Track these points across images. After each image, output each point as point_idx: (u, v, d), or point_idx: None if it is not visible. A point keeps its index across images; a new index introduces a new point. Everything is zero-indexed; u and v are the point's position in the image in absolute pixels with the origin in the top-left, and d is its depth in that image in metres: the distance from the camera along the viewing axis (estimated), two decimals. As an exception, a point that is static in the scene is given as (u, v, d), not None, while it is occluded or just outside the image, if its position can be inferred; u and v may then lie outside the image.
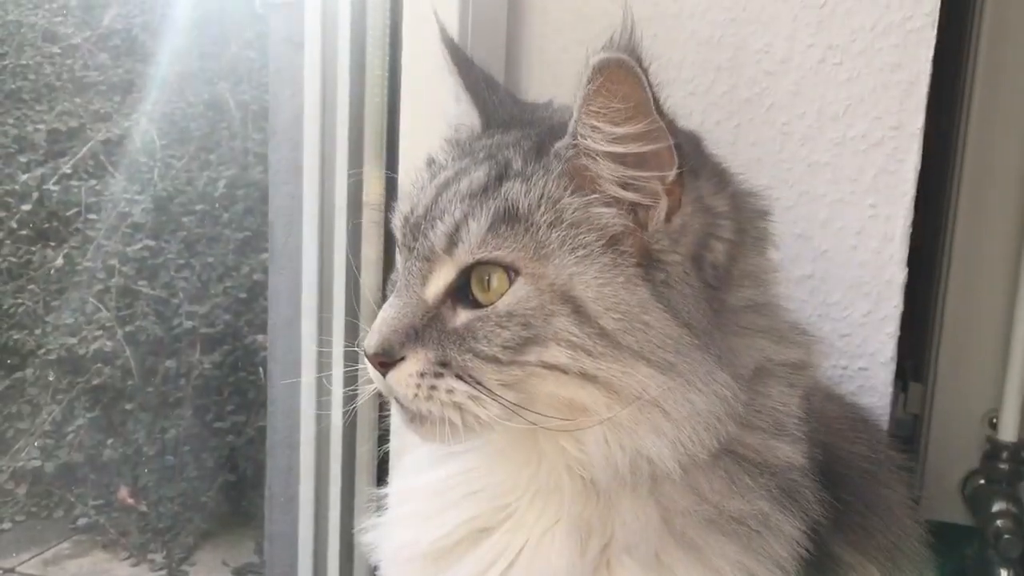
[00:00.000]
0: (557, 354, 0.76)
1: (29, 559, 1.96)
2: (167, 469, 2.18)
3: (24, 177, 2.69)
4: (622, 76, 0.72)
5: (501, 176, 0.80)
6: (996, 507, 1.52)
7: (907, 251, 1.25)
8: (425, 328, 0.78)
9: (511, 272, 0.77)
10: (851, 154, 1.24)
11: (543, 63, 1.33)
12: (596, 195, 0.78)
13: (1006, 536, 1.48)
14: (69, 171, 2.71)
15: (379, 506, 0.99)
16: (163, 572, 1.99)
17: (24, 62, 2.89)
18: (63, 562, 1.98)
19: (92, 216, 2.62)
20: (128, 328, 2.40)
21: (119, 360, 2.34)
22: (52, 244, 2.61)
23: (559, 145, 0.79)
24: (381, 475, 1.33)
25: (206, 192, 2.61)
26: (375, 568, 1.23)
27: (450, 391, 0.77)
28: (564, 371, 0.76)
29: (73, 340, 2.40)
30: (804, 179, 1.27)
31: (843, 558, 0.94)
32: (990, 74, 1.33)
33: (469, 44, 1.24)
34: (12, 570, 1.92)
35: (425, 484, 0.92)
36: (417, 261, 0.79)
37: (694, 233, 0.78)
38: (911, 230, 1.26)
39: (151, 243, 2.56)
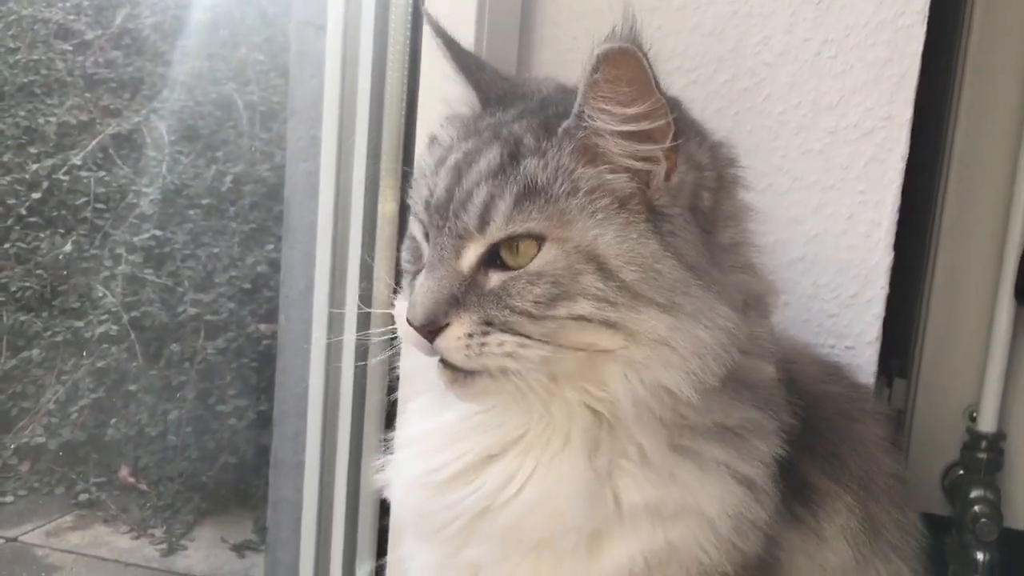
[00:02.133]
0: (585, 306, 0.84)
1: (32, 530, 2.00)
2: (168, 449, 2.23)
3: (34, 167, 2.74)
4: (627, 62, 0.81)
5: (514, 154, 0.87)
6: (974, 494, 1.58)
7: (894, 236, 1.32)
8: (464, 295, 0.85)
9: (538, 238, 0.85)
10: (843, 143, 1.31)
11: (556, 52, 1.41)
12: (606, 165, 0.86)
13: (982, 520, 1.54)
14: (79, 162, 2.76)
15: (389, 447, 1.06)
16: (163, 546, 2.02)
17: (36, 57, 2.94)
18: (64, 534, 2.01)
19: (100, 206, 2.68)
20: (133, 313, 2.45)
21: (124, 344, 2.39)
22: (60, 231, 2.65)
23: (568, 125, 0.86)
24: (389, 424, 1.39)
25: (213, 187, 2.67)
26: (383, 526, 1.28)
27: (500, 344, 0.84)
28: (589, 320, 0.84)
29: (79, 324, 2.45)
30: (798, 166, 1.34)
31: (817, 484, 1.02)
32: (979, 68, 1.40)
33: (485, 35, 1.32)
34: (15, 539, 1.95)
35: (434, 426, 0.99)
36: (449, 239, 0.86)
37: (688, 187, 0.88)
38: (898, 217, 1.33)
39: (158, 233, 2.61)
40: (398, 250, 1.43)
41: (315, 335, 1.44)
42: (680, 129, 0.86)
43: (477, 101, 0.96)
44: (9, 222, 2.62)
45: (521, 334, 0.85)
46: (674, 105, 0.88)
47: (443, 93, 1.16)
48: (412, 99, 1.42)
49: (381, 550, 1.47)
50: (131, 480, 2.20)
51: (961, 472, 1.62)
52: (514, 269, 0.86)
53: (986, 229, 1.49)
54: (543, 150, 0.87)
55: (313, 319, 1.43)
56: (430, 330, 0.85)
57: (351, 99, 1.44)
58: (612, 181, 0.86)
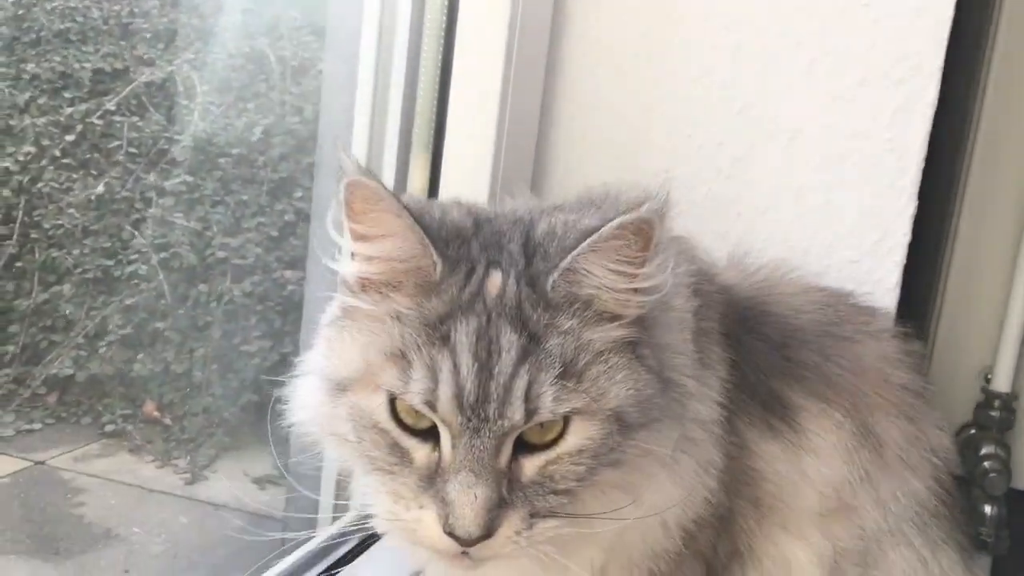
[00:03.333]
0: (614, 459, 0.86)
1: (59, 455, 2.05)
2: (193, 386, 2.28)
3: (69, 111, 2.78)
4: (651, 228, 0.82)
5: (533, 335, 0.84)
6: (985, 450, 1.60)
7: (919, 184, 1.35)
8: (509, 493, 0.83)
9: (566, 418, 0.84)
10: (872, 90, 1.34)
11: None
12: (613, 322, 0.87)
13: (992, 475, 1.57)
14: (112, 108, 2.80)
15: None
16: (187, 475, 2.08)
17: (72, 4, 2.99)
18: (91, 460, 2.07)
19: (133, 150, 2.72)
20: (163, 254, 2.50)
21: (153, 283, 2.44)
22: (93, 173, 2.70)
23: (572, 290, 0.85)
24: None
25: (243, 137, 2.72)
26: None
27: (544, 530, 0.84)
28: (615, 465, 0.87)
29: (109, 262, 2.49)
30: (826, 113, 1.36)
31: (796, 402, 1.06)
32: (1013, 17, 1.40)
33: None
34: (43, 463, 2.01)
35: None
36: (491, 439, 0.82)
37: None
38: (923, 166, 1.35)
39: (188, 179, 2.66)
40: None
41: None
42: None
43: (435, 254, 0.86)
44: (43, 163, 2.66)
45: (558, 515, 0.85)
46: None
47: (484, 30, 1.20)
48: (450, 36, 1.45)
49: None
50: (156, 414, 2.25)
51: (973, 431, 1.64)
52: (542, 449, 0.85)
53: (1010, 189, 1.51)
54: (557, 324, 0.85)
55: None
56: (477, 541, 0.81)
57: (389, 31, 1.46)
58: (615, 335, 0.87)
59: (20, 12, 2.88)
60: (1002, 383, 1.60)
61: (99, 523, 1.86)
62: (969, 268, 1.58)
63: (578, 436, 0.84)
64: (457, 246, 0.89)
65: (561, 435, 0.85)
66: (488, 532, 0.81)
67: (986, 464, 1.60)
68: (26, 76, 2.75)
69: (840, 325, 1.17)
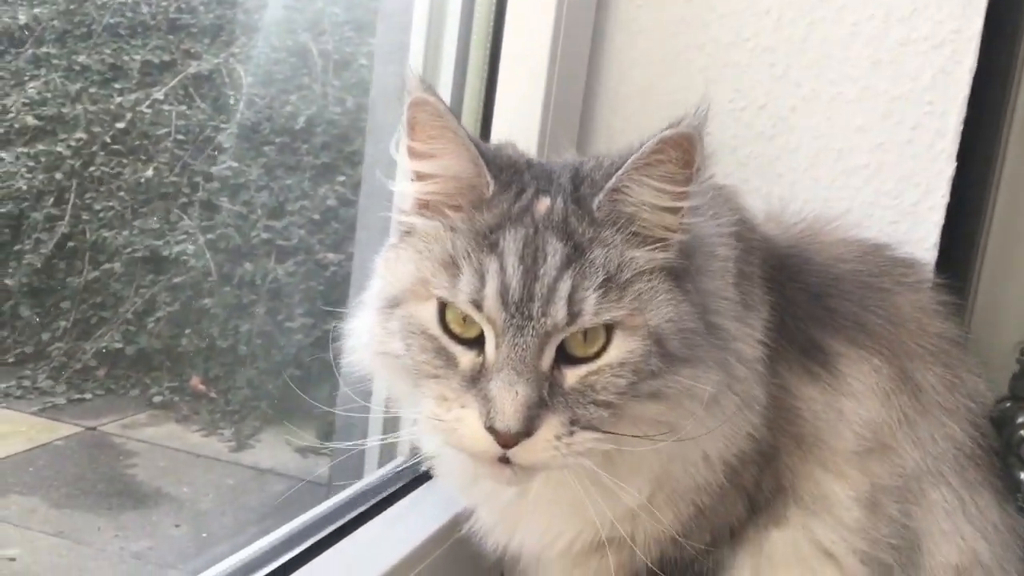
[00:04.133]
0: (647, 386, 0.88)
1: (109, 423, 2.11)
2: (239, 359, 2.33)
3: (119, 100, 2.87)
4: (691, 145, 0.84)
5: (578, 246, 0.88)
6: (1020, 419, 1.61)
7: (958, 146, 1.38)
8: (550, 395, 0.85)
9: (607, 327, 0.87)
10: (913, 54, 1.37)
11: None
12: (657, 244, 0.90)
13: (1028, 440, 1.58)
14: (161, 97, 2.88)
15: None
16: (232, 443, 2.13)
17: (122, 0, 3.08)
18: (140, 428, 2.12)
19: (180, 137, 2.80)
20: (209, 236, 2.56)
21: (200, 262, 2.50)
22: (142, 159, 2.78)
23: (618, 208, 0.89)
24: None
25: (287, 126, 2.79)
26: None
27: (583, 442, 0.85)
28: (640, 397, 0.89)
29: (158, 243, 2.56)
30: (867, 76, 1.39)
31: (834, 348, 1.09)
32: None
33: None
34: (94, 428, 2.07)
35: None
36: (534, 338, 0.85)
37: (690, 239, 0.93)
38: (962, 128, 1.38)
39: (234, 165, 2.73)
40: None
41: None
42: None
43: (488, 175, 0.91)
44: (94, 148, 2.75)
45: (598, 428, 0.86)
46: None
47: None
48: (489, 101, 1.49)
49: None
50: (201, 387, 2.31)
51: (1008, 404, 1.65)
52: (584, 361, 0.87)
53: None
54: (602, 239, 0.88)
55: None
56: (516, 440, 0.83)
57: (440, 8, 1.51)
58: (659, 258, 0.90)
59: (72, 7, 2.97)
60: (1038, 354, 1.61)
61: (149, 482, 1.92)
62: (1008, 237, 1.60)
63: (620, 350, 0.87)
64: (510, 173, 0.94)
65: (604, 349, 0.87)
66: (527, 429, 0.82)
67: (1022, 432, 1.61)
68: (77, 67, 2.84)
69: (879, 276, 1.20)
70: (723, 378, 0.95)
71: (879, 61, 1.38)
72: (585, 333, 0.87)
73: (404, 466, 1.42)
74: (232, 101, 2.88)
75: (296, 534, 1.23)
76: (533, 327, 0.84)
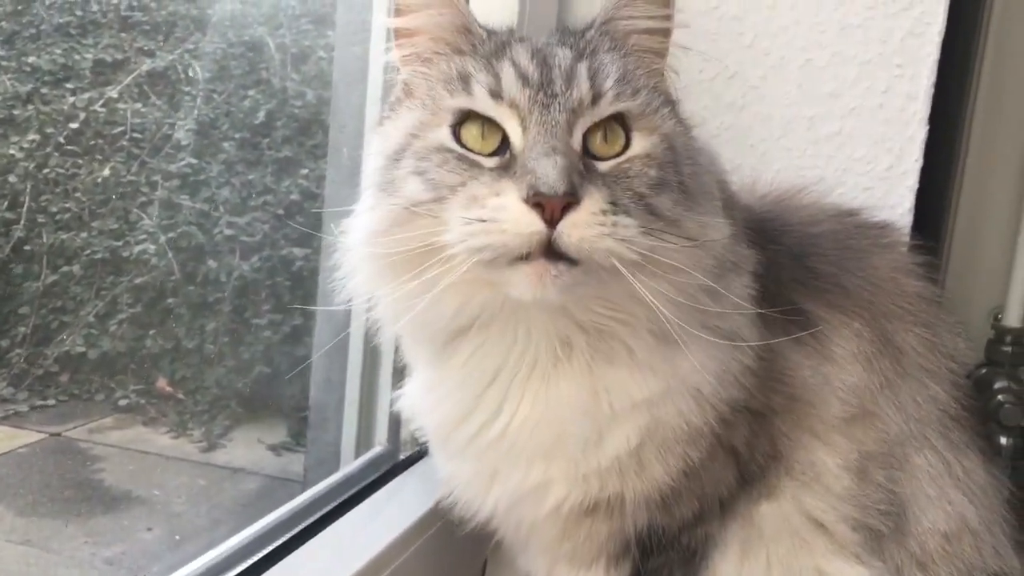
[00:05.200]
0: (669, 199, 0.89)
1: (74, 428, 2.06)
2: (206, 359, 2.28)
3: (71, 100, 2.80)
4: None
5: (583, 52, 0.92)
6: (998, 385, 1.62)
7: (929, 110, 1.37)
8: (586, 172, 0.85)
9: (625, 128, 0.89)
10: (881, 17, 1.36)
11: None
12: (652, 64, 0.96)
13: (1007, 406, 1.59)
14: (115, 96, 2.82)
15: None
16: (202, 443, 2.08)
17: (72, -1, 3.00)
18: (107, 432, 2.07)
19: (137, 135, 2.74)
20: (171, 234, 2.51)
21: (162, 262, 2.45)
22: (98, 159, 2.71)
23: (613, 36, 0.95)
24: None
25: (247, 121, 2.74)
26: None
27: (627, 226, 0.83)
28: (670, 218, 0.89)
29: (118, 243, 2.50)
30: (837, 41, 1.38)
31: (817, 312, 1.08)
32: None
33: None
34: (59, 434, 2.01)
35: (437, 377, 1.05)
36: (562, 114, 0.86)
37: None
38: (933, 92, 1.37)
39: (193, 162, 2.67)
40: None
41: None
42: None
43: (478, 25, 0.98)
44: (48, 150, 2.68)
45: (637, 221, 0.85)
46: None
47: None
48: None
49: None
50: (169, 389, 2.25)
51: (985, 371, 1.66)
52: (607, 159, 0.88)
53: (1018, 117, 1.53)
54: (604, 49, 0.93)
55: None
56: (567, 203, 0.81)
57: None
58: (654, 81, 0.95)
59: (20, 7, 2.89)
60: (1013, 319, 1.62)
61: (119, 487, 1.87)
62: (979, 202, 1.60)
63: (642, 144, 0.89)
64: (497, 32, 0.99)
65: (626, 147, 0.89)
66: (573, 191, 0.80)
67: (1000, 397, 1.62)
68: (27, 68, 2.76)
69: (855, 237, 1.19)
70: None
71: (848, 26, 1.37)
72: (605, 133, 0.88)
73: (382, 453, 1.39)
74: (189, 98, 2.82)
75: (271, 529, 1.20)
76: (559, 102, 0.86)
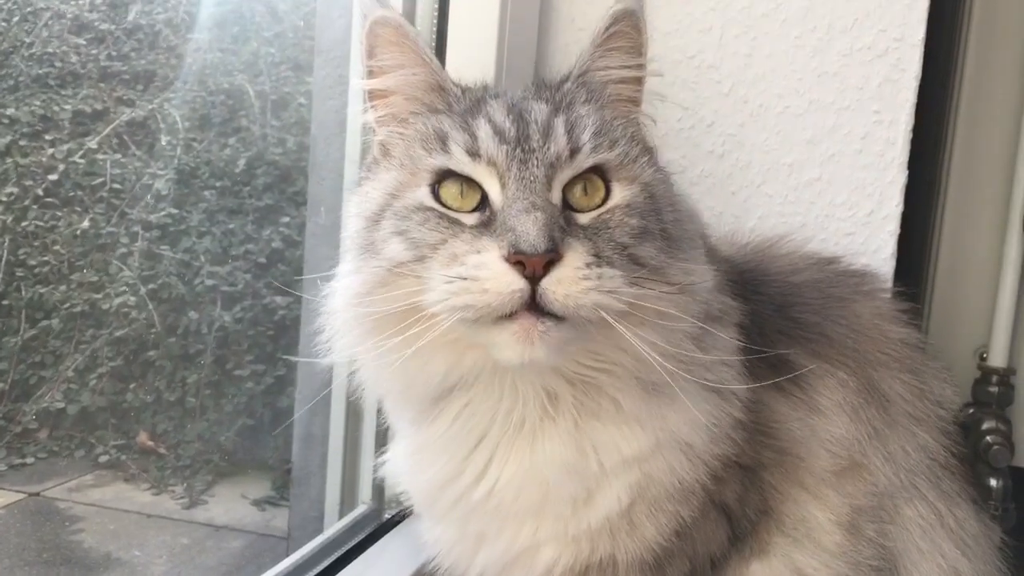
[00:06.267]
0: (651, 248, 0.89)
1: (53, 487, 2.02)
2: (187, 413, 2.25)
3: (51, 151, 2.79)
4: (635, 19, 0.95)
5: (559, 106, 0.92)
6: (986, 425, 1.61)
7: (908, 154, 1.37)
8: (567, 227, 0.85)
9: (605, 180, 0.89)
10: (858, 64, 1.37)
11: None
12: (626, 118, 0.96)
13: (995, 447, 1.57)
14: (94, 146, 2.81)
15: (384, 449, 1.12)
16: (184, 500, 2.04)
17: (51, 50, 3.00)
18: (86, 491, 2.03)
19: (117, 186, 2.72)
20: (151, 286, 2.49)
21: (142, 314, 2.42)
22: (77, 210, 2.69)
23: (589, 87, 0.95)
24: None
25: (227, 170, 2.73)
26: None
27: (612, 278, 0.83)
28: (653, 265, 0.88)
29: (97, 296, 2.48)
30: (814, 88, 1.39)
31: (801, 363, 1.06)
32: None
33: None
34: (37, 494, 1.97)
35: (423, 441, 1.02)
36: (540, 169, 0.86)
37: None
38: (911, 136, 1.37)
39: (174, 212, 2.66)
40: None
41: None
42: None
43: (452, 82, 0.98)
44: (26, 202, 2.66)
45: (621, 272, 0.84)
46: None
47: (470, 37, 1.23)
48: (441, 39, 1.46)
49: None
50: (150, 444, 2.22)
51: (972, 411, 1.65)
52: (588, 211, 0.88)
53: (995, 158, 1.53)
54: (580, 102, 0.94)
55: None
56: (549, 260, 0.80)
57: None
58: (637, 129, 0.97)
59: (-2, 59, 2.89)
60: (998, 358, 1.61)
61: (98, 548, 1.83)
62: (959, 243, 1.60)
63: (622, 194, 0.89)
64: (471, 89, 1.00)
65: (606, 198, 0.89)
66: (555, 247, 0.80)
67: (988, 439, 1.60)
68: (6, 120, 2.75)
69: (836, 285, 1.18)
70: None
71: (824, 73, 1.37)
72: (585, 186, 0.88)
73: (366, 513, 1.36)
74: (169, 147, 2.81)
75: (256, 596, 1.17)
76: (537, 157, 0.86)
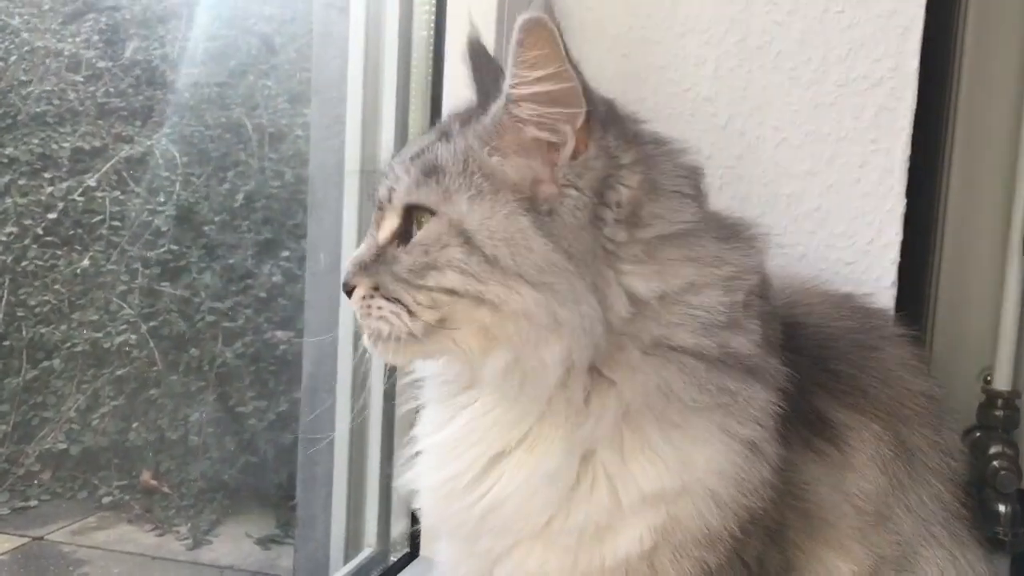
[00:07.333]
0: (451, 278, 0.89)
1: (56, 530, 2.01)
2: (189, 451, 2.25)
3: (49, 190, 2.79)
4: (539, 30, 0.85)
5: (436, 141, 0.94)
6: (993, 450, 1.60)
7: (906, 182, 1.36)
8: (372, 263, 0.93)
9: (432, 214, 0.91)
10: (853, 94, 1.36)
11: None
12: (506, 151, 0.90)
13: (1002, 472, 1.56)
14: (93, 184, 2.81)
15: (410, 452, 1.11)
16: (188, 541, 2.03)
17: (48, 88, 3.01)
18: (90, 533, 2.02)
19: (116, 223, 2.72)
20: (152, 323, 2.48)
21: (143, 352, 2.42)
22: (77, 249, 2.70)
23: (515, 118, 0.90)
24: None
25: (225, 204, 2.73)
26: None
27: (379, 307, 0.92)
28: (459, 293, 0.89)
29: (98, 334, 2.47)
30: (810, 119, 1.38)
31: (838, 418, 1.03)
32: (982, 14, 1.45)
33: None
34: (41, 538, 1.96)
35: (446, 435, 1.00)
36: (375, 211, 0.94)
37: (596, 174, 0.89)
38: (908, 164, 1.37)
39: (174, 248, 2.66)
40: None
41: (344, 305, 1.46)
42: (601, 120, 0.89)
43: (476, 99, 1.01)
44: (26, 241, 2.66)
45: (400, 302, 0.91)
46: (603, 102, 0.92)
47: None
48: (438, 77, 1.46)
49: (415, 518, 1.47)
50: (153, 483, 2.21)
51: (978, 434, 1.64)
52: (398, 247, 0.92)
53: (993, 182, 1.53)
54: (455, 134, 0.93)
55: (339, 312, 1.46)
56: (347, 290, 0.93)
57: (375, 78, 1.48)
58: (492, 164, 0.91)
59: (-4, 98, 2.90)
60: (1003, 382, 1.60)
61: (103, 593, 1.82)
62: (960, 268, 1.60)
63: (421, 233, 0.91)
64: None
65: (410, 235, 0.92)
66: (347, 281, 0.93)
67: (995, 463, 1.59)
68: (5, 159, 2.76)
69: (866, 332, 1.16)
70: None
71: (820, 103, 1.37)
72: (420, 220, 0.91)
73: (372, 556, 1.36)
74: (167, 183, 2.81)
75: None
76: (372, 202, 0.95)
